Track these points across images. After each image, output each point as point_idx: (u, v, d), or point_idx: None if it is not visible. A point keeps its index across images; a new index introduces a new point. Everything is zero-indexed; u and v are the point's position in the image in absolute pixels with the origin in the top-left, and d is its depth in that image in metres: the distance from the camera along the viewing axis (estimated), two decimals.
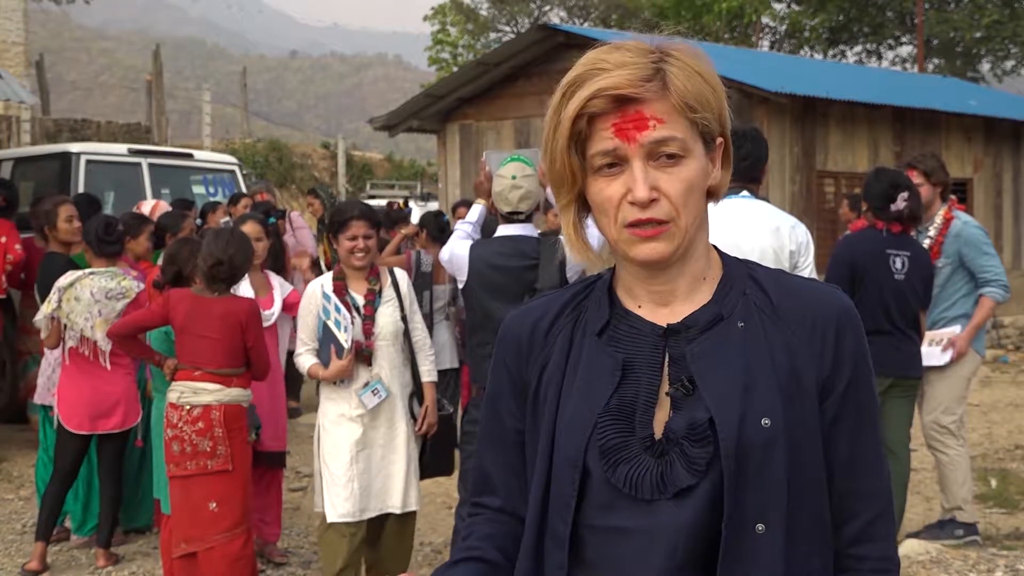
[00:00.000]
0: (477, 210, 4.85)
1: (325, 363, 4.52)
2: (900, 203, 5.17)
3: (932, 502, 6.41)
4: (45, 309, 5.46)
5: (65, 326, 5.34)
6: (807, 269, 4.09)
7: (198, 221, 7.63)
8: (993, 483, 7.04)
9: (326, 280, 4.64)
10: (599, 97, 1.36)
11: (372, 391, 4.52)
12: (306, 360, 4.62)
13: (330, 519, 4.47)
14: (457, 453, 4.96)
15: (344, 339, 4.50)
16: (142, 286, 5.45)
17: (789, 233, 4.07)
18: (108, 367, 5.34)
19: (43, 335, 5.55)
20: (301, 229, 8.72)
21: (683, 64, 1.38)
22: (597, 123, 1.38)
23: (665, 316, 1.44)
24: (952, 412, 5.65)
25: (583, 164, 1.41)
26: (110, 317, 5.27)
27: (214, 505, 4.40)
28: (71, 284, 5.35)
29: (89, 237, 5.60)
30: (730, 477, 1.33)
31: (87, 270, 5.48)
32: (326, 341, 4.54)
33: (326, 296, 4.57)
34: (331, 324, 4.52)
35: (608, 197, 1.39)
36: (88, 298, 5.30)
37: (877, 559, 1.43)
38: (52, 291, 5.44)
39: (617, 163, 1.38)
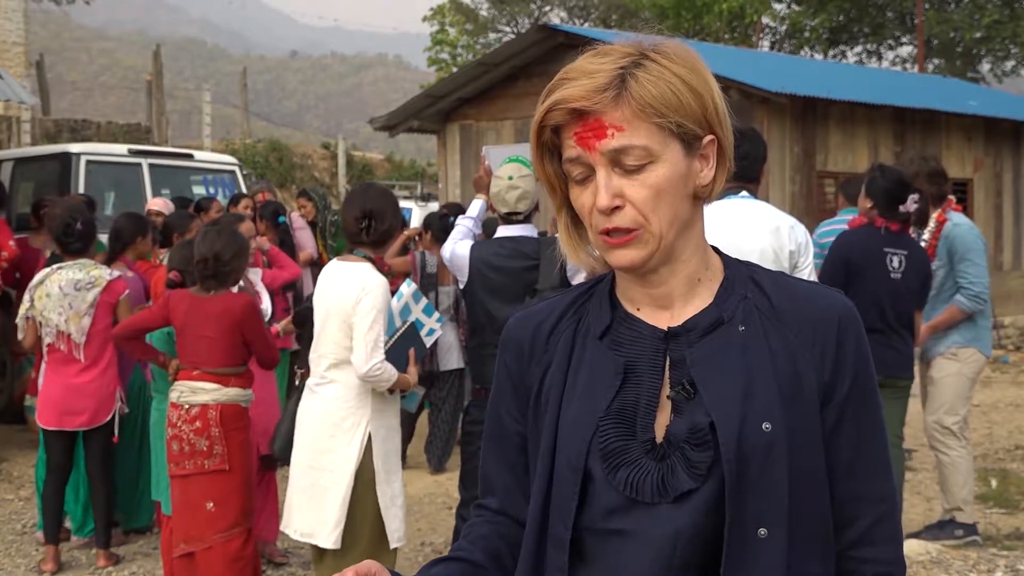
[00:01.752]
0: (477, 205, 4.82)
1: (399, 368, 4.14)
2: (911, 204, 5.14)
3: (932, 502, 6.41)
4: (20, 311, 5.47)
5: (40, 324, 5.35)
6: (807, 269, 4.09)
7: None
8: (993, 483, 7.04)
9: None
10: (556, 109, 1.38)
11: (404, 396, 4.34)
12: (393, 369, 4.07)
13: (394, 545, 4.08)
14: (458, 453, 4.96)
15: (428, 341, 4.32)
16: (114, 274, 5.43)
17: (789, 233, 4.07)
18: (83, 360, 5.32)
19: (19, 336, 5.56)
20: (301, 230, 8.72)
21: (656, 67, 1.36)
22: (563, 132, 1.40)
23: (666, 319, 1.44)
24: (955, 412, 5.64)
25: (561, 171, 1.43)
26: (82, 308, 5.29)
27: (211, 505, 4.40)
28: (41, 282, 5.38)
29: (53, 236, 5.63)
30: (731, 482, 1.33)
31: (55, 265, 5.48)
32: (402, 344, 4.22)
33: (416, 295, 4.31)
34: (413, 323, 4.27)
35: (582, 205, 1.41)
36: (57, 292, 5.31)
37: (880, 562, 1.42)
38: (25, 292, 5.45)
39: (586, 171, 1.39)
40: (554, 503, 1.43)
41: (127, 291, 5.46)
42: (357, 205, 4.13)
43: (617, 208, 1.37)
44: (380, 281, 4.04)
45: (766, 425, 1.35)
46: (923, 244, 5.59)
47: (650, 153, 1.36)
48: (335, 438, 4.03)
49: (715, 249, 1.50)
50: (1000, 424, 9.18)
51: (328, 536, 4.01)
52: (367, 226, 4.09)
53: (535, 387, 1.50)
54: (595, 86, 1.35)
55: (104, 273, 5.39)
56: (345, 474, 4.01)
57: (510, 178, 4.50)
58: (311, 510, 4.07)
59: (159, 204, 7.73)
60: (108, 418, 5.42)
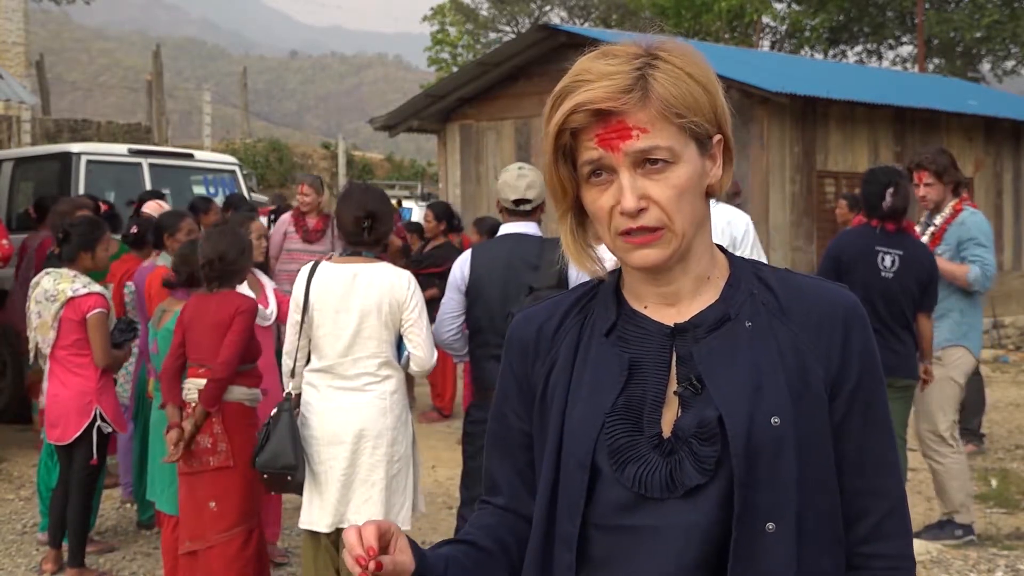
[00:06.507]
0: None
1: None
2: (888, 199, 5.16)
3: (932, 502, 6.40)
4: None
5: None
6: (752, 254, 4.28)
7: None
8: (993, 483, 7.04)
9: None
10: (579, 112, 1.36)
11: None
12: None
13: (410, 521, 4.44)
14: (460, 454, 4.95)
15: None
16: (80, 291, 5.16)
17: (736, 222, 4.27)
18: (47, 370, 5.23)
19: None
20: None
21: (670, 67, 1.37)
22: (582, 134, 1.38)
23: (672, 316, 1.44)
24: (947, 416, 5.60)
25: (574, 174, 1.42)
26: (48, 320, 5.19)
27: (213, 504, 4.40)
28: (36, 284, 5.32)
29: None
30: (740, 476, 1.33)
31: (45, 270, 5.38)
32: None
33: None
34: None
35: (600, 207, 1.39)
36: (33, 300, 5.26)
37: (888, 557, 1.43)
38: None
39: (606, 172, 1.38)
40: (561, 501, 1.43)
41: (98, 310, 5.16)
42: (359, 204, 4.22)
43: (642, 210, 1.37)
44: (412, 276, 4.33)
45: (775, 419, 1.35)
46: (933, 228, 5.59)
47: (673, 153, 1.36)
48: (396, 428, 4.28)
49: (720, 248, 1.51)
50: (1000, 424, 9.17)
51: (406, 518, 4.33)
52: (369, 226, 4.17)
53: (540, 386, 1.50)
54: (619, 87, 1.35)
55: (67, 289, 5.15)
56: (410, 458, 4.34)
57: (520, 168, 4.54)
58: (373, 502, 4.23)
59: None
60: (76, 435, 5.15)
